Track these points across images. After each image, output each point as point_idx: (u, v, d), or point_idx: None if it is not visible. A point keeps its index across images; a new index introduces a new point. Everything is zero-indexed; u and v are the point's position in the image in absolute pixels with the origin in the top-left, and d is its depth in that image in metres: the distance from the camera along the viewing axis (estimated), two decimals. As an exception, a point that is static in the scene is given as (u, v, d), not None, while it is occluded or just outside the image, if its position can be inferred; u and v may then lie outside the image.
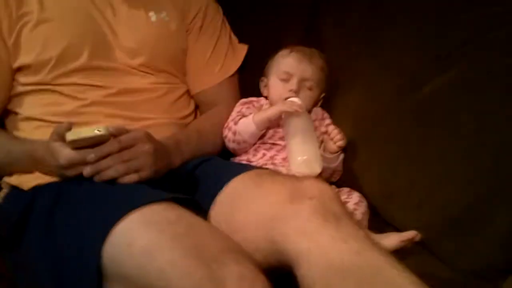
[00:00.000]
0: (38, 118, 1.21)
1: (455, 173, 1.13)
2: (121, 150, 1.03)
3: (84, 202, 1.01)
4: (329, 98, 1.42)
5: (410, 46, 1.31)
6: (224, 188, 1.07)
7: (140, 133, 1.07)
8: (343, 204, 1.00)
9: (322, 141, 1.31)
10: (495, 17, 1.19)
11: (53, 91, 1.22)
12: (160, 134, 1.16)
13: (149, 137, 1.08)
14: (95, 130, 0.98)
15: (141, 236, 0.87)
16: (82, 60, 1.21)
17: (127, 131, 1.05)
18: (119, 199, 0.97)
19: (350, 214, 0.97)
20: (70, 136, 0.98)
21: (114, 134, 1.03)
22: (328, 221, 0.90)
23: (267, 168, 1.23)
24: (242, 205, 1.03)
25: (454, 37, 1.24)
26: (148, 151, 1.05)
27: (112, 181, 1.03)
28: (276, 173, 1.16)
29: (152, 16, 1.30)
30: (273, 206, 0.96)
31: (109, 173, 1.02)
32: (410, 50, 1.30)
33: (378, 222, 1.23)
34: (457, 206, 1.10)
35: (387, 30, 1.37)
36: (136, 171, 1.04)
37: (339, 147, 1.27)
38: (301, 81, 1.32)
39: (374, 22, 1.41)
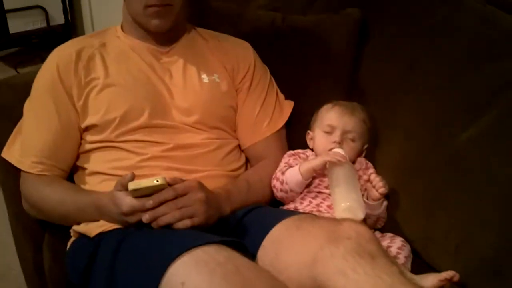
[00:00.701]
0: (102, 172, 1.30)
1: (490, 219, 1.15)
2: (176, 197, 1.10)
3: (143, 247, 1.08)
4: (372, 149, 1.45)
5: (447, 94, 1.34)
6: (269, 233, 1.13)
7: (193, 182, 1.14)
8: (380, 244, 1.05)
9: (365, 189, 1.33)
10: None
11: (116, 148, 1.30)
12: (212, 185, 1.22)
13: (201, 186, 1.15)
14: (154, 181, 1.07)
15: (193, 276, 0.94)
16: (143, 119, 1.30)
17: (182, 181, 1.13)
18: (174, 243, 1.03)
19: (385, 253, 1.02)
20: (131, 186, 1.07)
21: (171, 184, 1.10)
22: (363, 258, 0.96)
23: (309, 213, 1.28)
24: (285, 247, 1.09)
25: (491, 83, 1.27)
26: (200, 199, 1.12)
27: (168, 227, 1.10)
28: (316, 217, 1.21)
29: (205, 78, 1.39)
30: (313, 247, 1.02)
31: (165, 219, 1.09)
32: (447, 99, 1.34)
33: (420, 265, 1.26)
34: (492, 249, 1.13)
35: (423, 79, 1.41)
36: (190, 217, 1.10)
37: (382, 194, 1.29)
38: (344, 133, 1.37)
39: (411, 73, 1.45)
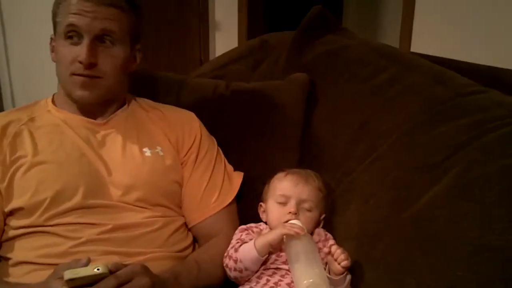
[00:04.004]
0: (30, 262, 1.22)
1: (462, 282, 1.11)
2: (118, 286, 1.03)
3: None
4: (330, 218, 1.43)
5: (403, 155, 1.35)
6: None
7: (137, 267, 1.08)
8: None
9: (326, 263, 1.30)
10: (483, 123, 1.24)
11: (46, 233, 1.23)
12: (157, 269, 1.17)
13: (146, 271, 1.09)
14: (94, 269, 1.00)
15: None
16: (76, 200, 1.24)
17: (124, 266, 1.07)
18: None
19: None
20: (68, 275, 0.99)
21: (113, 271, 1.04)
22: None
23: None
24: None
25: (447, 141, 1.28)
26: (145, 285, 1.07)
27: None
28: None
29: (147, 151, 1.36)
30: None
31: None
32: (404, 160, 1.34)
33: None
34: None
35: (377, 140, 1.42)
36: None
37: (344, 267, 1.25)
38: (299, 202, 1.35)
39: (363, 134, 1.46)
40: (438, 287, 1.14)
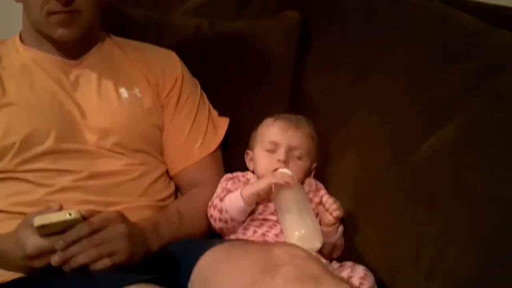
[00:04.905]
0: (1, 210, 1.19)
1: (465, 234, 1.10)
2: (92, 233, 1.02)
3: None
4: (322, 169, 1.41)
5: (403, 101, 1.32)
6: (196, 266, 1.05)
7: (112, 213, 1.07)
8: (321, 263, 1.03)
9: (317, 214, 1.28)
10: (493, 66, 1.22)
11: (18, 179, 1.20)
12: (135, 218, 1.15)
13: (122, 218, 1.07)
14: (66, 214, 0.98)
15: None
16: (48, 144, 1.21)
17: (96, 211, 1.05)
18: None
19: (330, 271, 0.99)
20: (38, 221, 0.97)
21: (86, 217, 1.02)
22: (306, 283, 0.91)
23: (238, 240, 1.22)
24: (214, 284, 1.02)
25: (452, 87, 1.25)
26: (122, 233, 1.04)
27: (85, 270, 1.00)
28: (246, 243, 1.16)
29: (123, 93, 1.31)
30: (245, 282, 0.96)
31: (79, 260, 1.00)
32: (404, 106, 1.31)
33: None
34: (468, 271, 1.07)
35: (376, 88, 1.39)
36: (110, 255, 1.02)
37: (336, 217, 1.24)
38: (289, 150, 1.32)
39: (361, 82, 1.43)
40: (439, 241, 1.15)
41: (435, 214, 1.17)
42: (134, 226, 1.10)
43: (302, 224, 1.20)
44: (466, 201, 1.13)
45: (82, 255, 1.00)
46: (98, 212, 1.05)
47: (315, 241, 1.19)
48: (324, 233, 1.24)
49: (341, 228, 1.27)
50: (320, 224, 1.26)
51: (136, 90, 1.33)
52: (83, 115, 1.27)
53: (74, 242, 1.00)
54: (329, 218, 1.24)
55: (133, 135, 1.30)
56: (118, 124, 1.28)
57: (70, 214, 0.98)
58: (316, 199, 1.30)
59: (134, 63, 1.38)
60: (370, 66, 1.42)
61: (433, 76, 1.29)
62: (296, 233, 1.19)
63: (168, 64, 1.42)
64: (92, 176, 1.22)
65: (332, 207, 1.24)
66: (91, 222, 1.02)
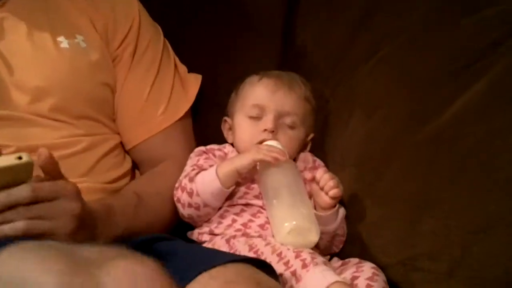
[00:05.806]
0: None
1: (496, 220, 1.02)
2: (36, 201, 0.92)
3: None
4: (320, 139, 1.33)
5: (417, 59, 1.24)
6: None
7: (68, 185, 0.96)
8: None
9: (311, 195, 1.18)
10: None
11: None
12: None
13: (78, 196, 0.97)
14: (13, 158, 0.89)
15: None
16: None
17: (57, 170, 0.94)
18: None
19: None
20: None
21: (43, 169, 0.93)
22: None
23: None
24: None
25: (473, 42, 1.15)
26: (71, 212, 0.94)
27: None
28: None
29: (63, 42, 1.19)
30: None
31: (3, 231, 0.90)
32: (418, 65, 1.23)
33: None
34: (497, 267, 0.98)
35: (382, 40, 1.30)
36: (46, 235, 0.92)
37: (334, 197, 1.12)
38: (279, 116, 1.21)
39: (365, 33, 1.34)
40: (463, 228, 1.06)
41: (459, 195, 1.08)
42: (88, 208, 1.00)
43: (294, 213, 1.09)
44: (498, 181, 1.03)
45: (6, 227, 0.90)
46: (56, 162, 0.95)
47: (310, 234, 1.07)
48: (321, 220, 1.12)
49: (342, 212, 1.16)
50: (315, 208, 1.15)
51: (80, 39, 1.21)
52: (10, 70, 1.15)
53: (12, 207, 0.91)
54: (325, 199, 1.12)
55: (76, 96, 1.18)
56: (56, 82, 1.16)
57: (20, 158, 0.88)
58: (309, 174, 1.20)
59: (76, 4, 1.26)
60: (374, 13, 1.34)
61: (450, 26, 1.20)
62: (287, 224, 1.07)
63: (121, 4, 1.29)
64: (21, 151, 1.06)
65: (328, 185, 1.12)
66: (37, 187, 0.91)
